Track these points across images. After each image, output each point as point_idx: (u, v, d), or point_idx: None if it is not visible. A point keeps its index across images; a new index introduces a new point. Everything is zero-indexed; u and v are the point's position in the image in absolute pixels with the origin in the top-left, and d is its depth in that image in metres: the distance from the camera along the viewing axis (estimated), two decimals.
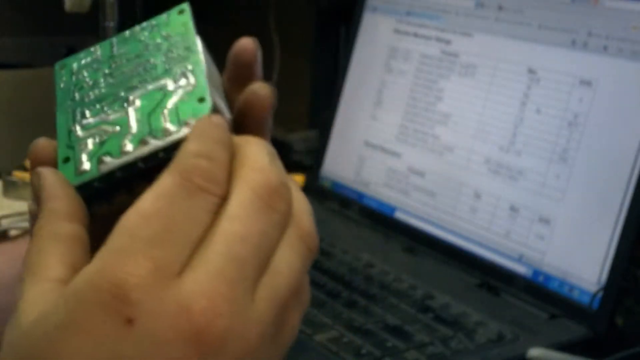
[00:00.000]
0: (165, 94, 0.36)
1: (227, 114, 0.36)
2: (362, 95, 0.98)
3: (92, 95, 0.38)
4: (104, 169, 0.34)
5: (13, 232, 0.94)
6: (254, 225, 0.30)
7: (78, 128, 0.37)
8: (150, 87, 0.37)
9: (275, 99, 0.37)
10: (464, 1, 0.89)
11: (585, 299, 0.72)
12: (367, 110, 0.97)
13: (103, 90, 0.38)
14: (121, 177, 0.34)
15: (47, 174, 0.34)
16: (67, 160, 0.35)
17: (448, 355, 0.66)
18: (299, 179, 1.03)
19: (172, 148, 0.33)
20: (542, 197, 0.77)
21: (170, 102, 0.35)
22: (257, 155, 0.32)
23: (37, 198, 0.34)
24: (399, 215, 0.91)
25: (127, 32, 0.41)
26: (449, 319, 0.72)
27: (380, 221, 0.93)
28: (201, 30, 0.39)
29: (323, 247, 0.84)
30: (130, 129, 0.35)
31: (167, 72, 0.37)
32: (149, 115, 0.35)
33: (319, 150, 1.03)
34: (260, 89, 0.37)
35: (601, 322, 0.71)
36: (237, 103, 0.37)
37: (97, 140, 0.35)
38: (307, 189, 0.99)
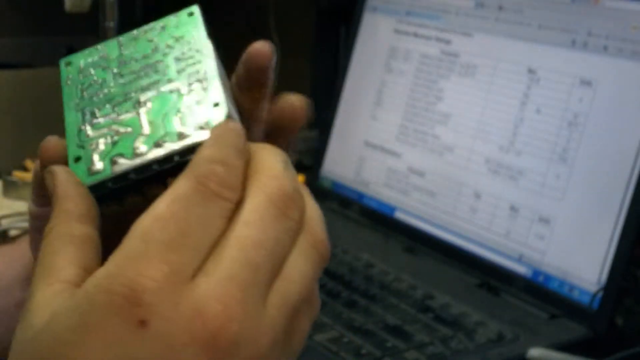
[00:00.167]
0: (178, 97, 0.36)
1: (237, 118, 0.36)
2: (362, 95, 0.98)
3: (101, 94, 0.38)
4: (118, 169, 0.34)
5: (13, 232, 0.94)
6: (267, 231, 0.30)
7: (88, 127, 0.36)
8: (162, 89, 0.37)
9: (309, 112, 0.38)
10: (464, 1, 0.89)
11: (585, 299, 0.72)
12: (367, 110, 0.97)
13: (112, 90, 0.38)
14: (135, 178, 0.34)
15: (60, 173, 0.34)
16: (78, 159, 0.35)
17: (448, 355, 0.66)
18: (299, 179, 1.03)
19: (188, 152, 0.33)
20: (542, 197, 0.77)
21: (184, 106, 0.35)
22: (271, 162, 0.32)
23: (50, 197, 0.34)
24: (399, 215, 0.91)
25: (135, 32, 0.41)
26: (449, 319, 0.72)
27: (380, 221, 0.93)
28: None
29: None
30: (142, 131, 0.35)
31: (179, 75, 0.37)
32: (163, 117, 0.35)
33: (319, 150, 1.03)
34: (297, 101, 0.37)
35: (601, 322, 0.71)
36: (269, 112, 0.38)
37: (109, 140, 0.35)
38: None
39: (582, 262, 0.73)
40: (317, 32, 1.33)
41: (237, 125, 0.33)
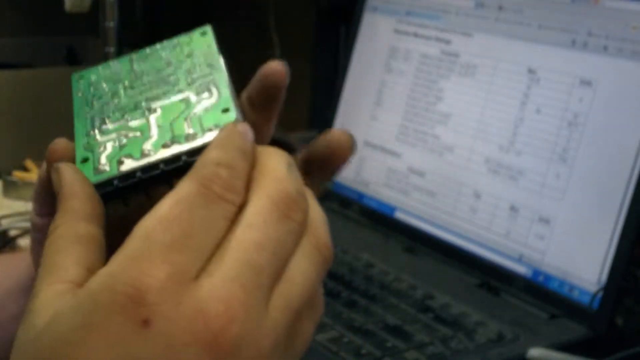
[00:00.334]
0: (188, 104, 0.36)
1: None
2: (362, 95, 0.98)
3: (111, 104, 0.38)
4: (125, 168, 0.34)
5: (13, 232, 0.94)
6: (270, 233, 0.30)
7: (97, 132, 0.37)
8: (172, 98, 0.37)
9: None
10: (464, 1, 0.89)
11: (585, 299, 0.72)
12: (367, 110, 0.97)
13: (123, 100, 0.38)
14: (141, 178, 0.34)
15: (67, 171, 0.34)
16: (85, 160, 0.35)
17: (448, 355, 0.66)
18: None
19: (195, 152, 0.33)
20: (542, 197, 0.77)
21: (193, 112, 0.36)
22: (275, 164, 0.32)
23: (56, 194, 0.34)
24: (399, 215, 0.91)
25: (148, 49, 0.42)
26: (449, 319, 0.72)
27: (380, 221, 0.93)
28: None
29: None
30: (151, 134, 0.35)
31: (189, 86, 0.37)
32: (172, 122, 0.36)
33: None
34: (345, 138, 0.37)
35: (601, 322, 0.71)
36: (316, 146, 0.38)
37: (117, 144, 0.36)
38: None
39: (582, 262, 0.73)
40: (317, 32, 1.33)
41: (244, 126, 0.33)
